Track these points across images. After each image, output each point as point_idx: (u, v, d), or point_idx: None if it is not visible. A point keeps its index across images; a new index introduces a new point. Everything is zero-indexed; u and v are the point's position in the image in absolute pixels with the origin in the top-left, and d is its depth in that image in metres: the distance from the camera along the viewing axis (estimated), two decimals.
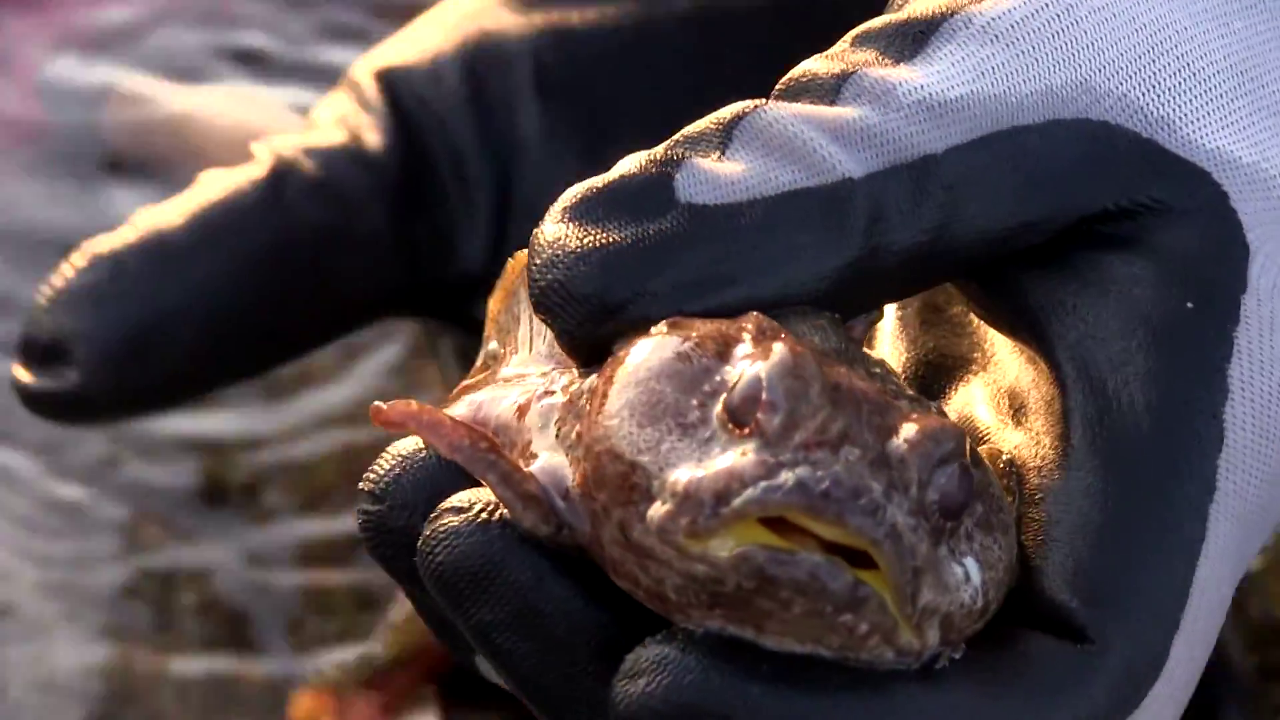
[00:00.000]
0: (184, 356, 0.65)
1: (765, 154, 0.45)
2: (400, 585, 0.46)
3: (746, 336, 0.43)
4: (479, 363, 0.50)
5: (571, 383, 0.45)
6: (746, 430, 0.41)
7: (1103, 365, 0.44)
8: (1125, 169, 0.45)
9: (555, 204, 0.45)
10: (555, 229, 0.44)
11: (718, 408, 0.41)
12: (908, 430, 0.41)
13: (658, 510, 0.40)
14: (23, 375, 0.64)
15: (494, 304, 0.50)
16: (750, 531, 0.40)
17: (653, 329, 0.44)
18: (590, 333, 0.44)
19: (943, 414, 0.46)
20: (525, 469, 0.43)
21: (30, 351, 0.63)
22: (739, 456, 0.40)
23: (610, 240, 0.44)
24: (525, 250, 0.45)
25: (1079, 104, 0.45)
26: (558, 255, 0.44)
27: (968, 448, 0.42)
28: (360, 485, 0.45)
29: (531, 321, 0.48)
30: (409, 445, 0.45)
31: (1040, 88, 0.45)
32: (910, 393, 0.46)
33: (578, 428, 0.43)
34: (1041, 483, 0.45)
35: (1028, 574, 0.43)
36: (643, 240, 0.43)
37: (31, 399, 0.64)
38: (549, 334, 0.46)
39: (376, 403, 0.44)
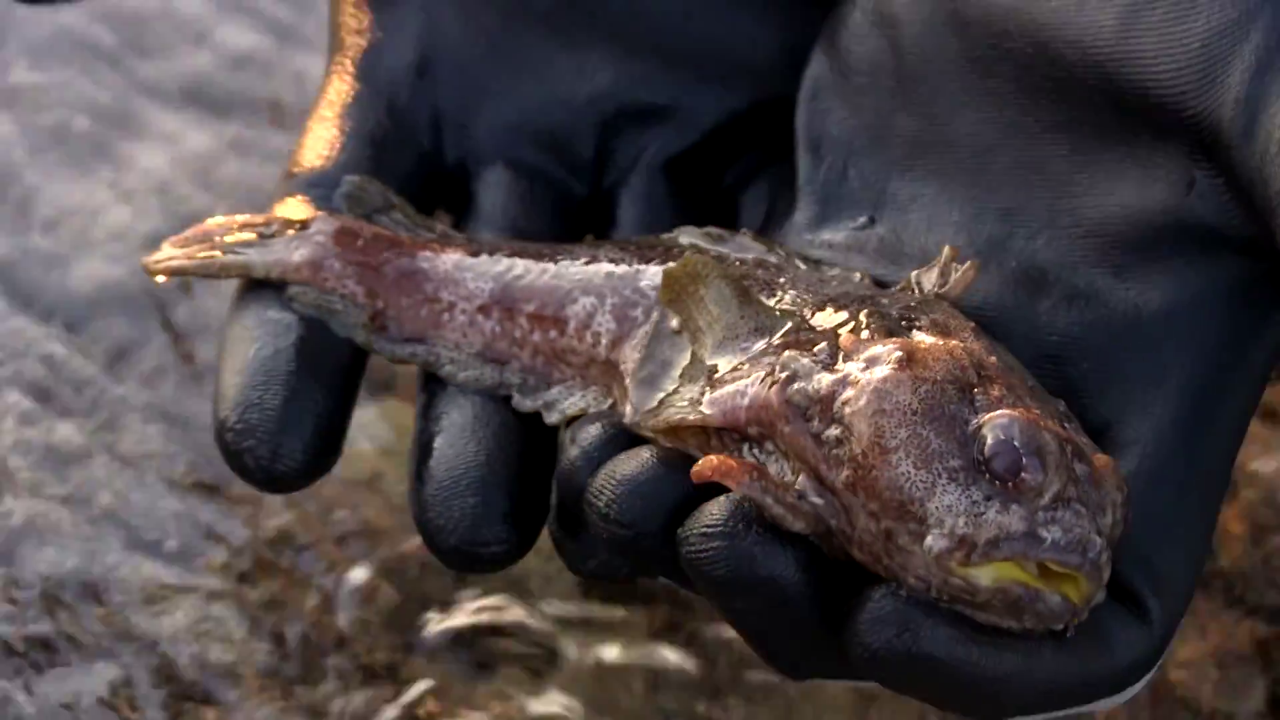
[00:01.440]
0: None
1: None
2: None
3: (973, 379, 0.59)
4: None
5: (810, 370, 0.60)
6: (1006, 485, 0.57)
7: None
8: None
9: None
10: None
11: (978, 455, 0.57)
12: (1108, 482, 0.58)
13: (937, 540, 0.56)
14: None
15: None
16: (1004, 567, 0.57)
17: (888, 354, 0.60)
18: None
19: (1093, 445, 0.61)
20: (790, 487, 0.59)
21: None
22: (1005, 512, 0.56)
23: None
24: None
25: None
26: None
27: (1125, 482, 0.59)
28: (599, 514, 0.60)
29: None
30: (629, 469, 0.61)
31: None
32: (1061, 408, 0.61)
33: (838, 432, 0.59)
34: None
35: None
36: None
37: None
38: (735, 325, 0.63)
39: (696, 466, 0.59)
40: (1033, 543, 0.56)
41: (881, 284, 0.67)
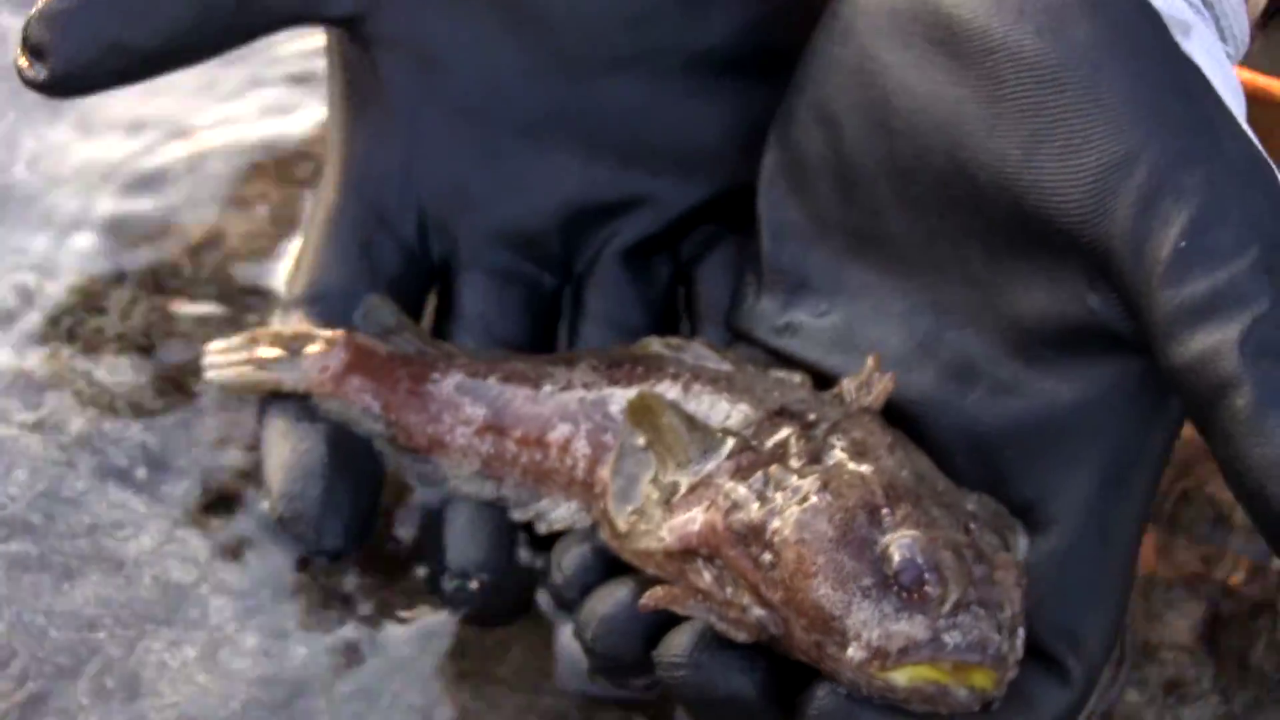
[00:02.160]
0: (140, 63, 0.83)
1: None
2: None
3: (881, 502, 0.68)
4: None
5: (747, 500, 0.69)
6: (911, 597, 0.65)
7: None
8: None
9: None
10: None
11: (886, 571, 0.66)
12: (1006, 579, 0.67)
13: (856, 653, 0.66)
14: (21, 63, 0.81)
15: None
16: (918, 668, 0.65)
17: (809, 486, 0.69)
18: None
19: (997, 526, 0.70)
20: (736, 604, 0.69)
21: (24, 48, 0.81)
22: (910, 623, 0.65)
23: None
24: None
25: None
26: None
27: (1024, 577, 0.68)
28: (586, 646, 0.71)
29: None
30: (608, 609, 0.71)
31: None
32: (970, 507, 0.70)
33: (770, 557, 0.68)
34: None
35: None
36: None
37: (25, 82, 0.82)
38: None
39: (644, 599, 0.69)
40: (937, 647, 0.65)
41: (827, 377, 0.76)
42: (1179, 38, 0.69)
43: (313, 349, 0.80)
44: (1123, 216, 0.66)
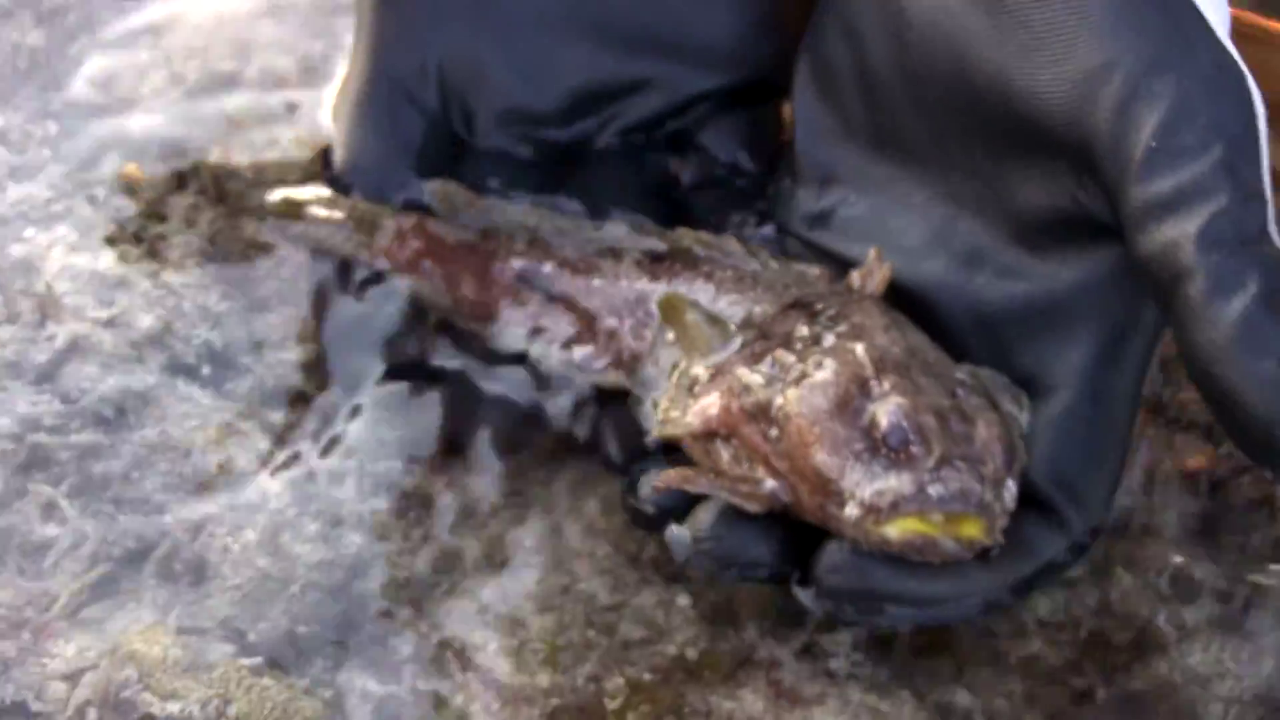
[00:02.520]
0: None
1: None
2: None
3: (871, 375, 0.74)
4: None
5: (756, 384, 0.76)
6: (899, 456, 0.72)
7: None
8: None
9: None
10: None
11: (875, 435, 0.73)
12: (988, 437, 0.73)
13: (852, 511, 0.73)
14: None
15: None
16: (909, 520, 0.72)
17: (809, 366, 0.76)
18: None
19: (985, 394, 0.76)
20: (750, 478, 0.76)
21: None
22: (898, 479, 0.72)
23: None
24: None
25: None
26: None
27: (1005, 434, 0.74)
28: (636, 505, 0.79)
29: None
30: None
31: None
32: (960, 376, 0.76)
33: (777, 432, 0.75)
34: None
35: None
36: None
37: None
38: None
39: (658, 480, 0.77)
40: (923, 500, 0.72)
41: (848, 263, 0.83)
42: None
43: (388, 227, 0.87)
44: (1102, 119, 0.72)
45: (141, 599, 0.81)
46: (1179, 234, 0.70)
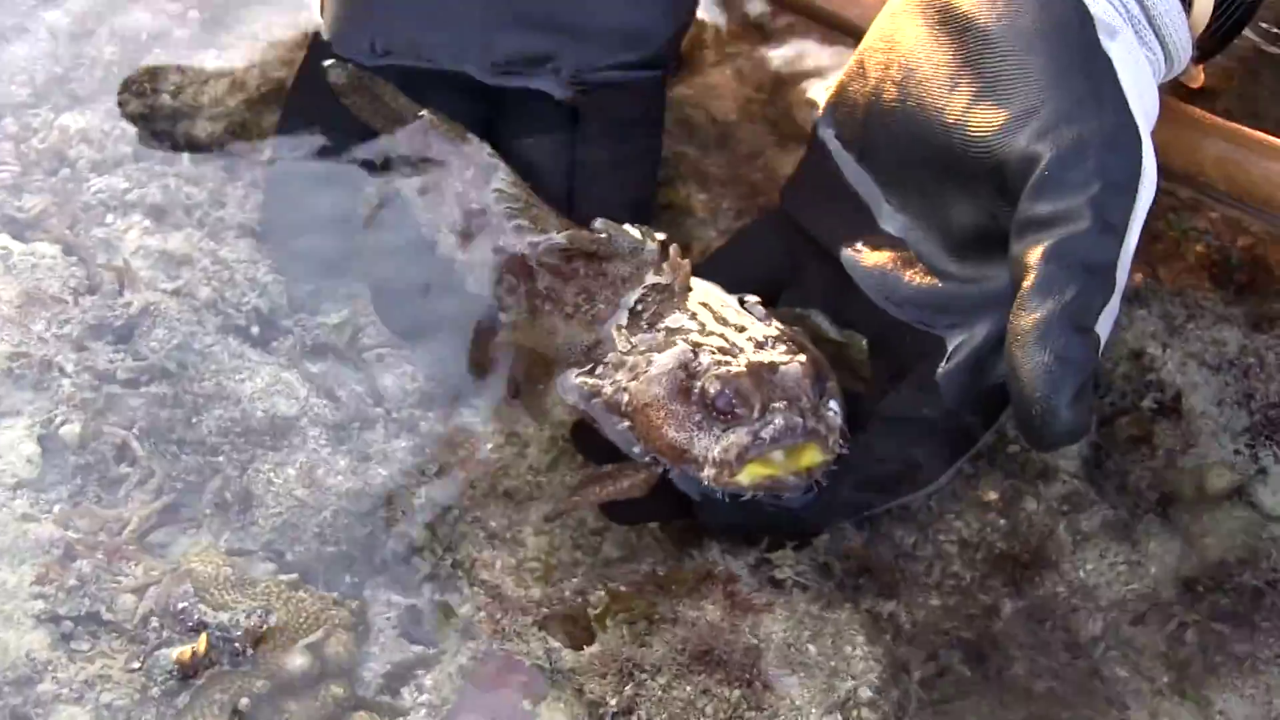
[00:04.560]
0: None
1: None
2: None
3: (692, 359, 0.83)
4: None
5: (600, 386, 0.86)
6: (730, 417, 0.81)
7: None
8: None
9: None
10: None
11: (708, 405, 0.82)
12: (795, 377, 0.82)
13: (709, 470, 0.82)
14: None
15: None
16: (754, 466, 0.81)
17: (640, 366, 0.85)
18: None
19: (786, 337, 0.85)
20: (643, 464, 0.86)
21: None
22: (736, 435, 0.81)
23: None
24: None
25: None
26: None
27: (809, 367, 0.83)
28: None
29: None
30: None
31: None
32: (769, 330, 0.86)
33: (629, 423, 0.85)
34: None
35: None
36: None
37: None
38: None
39: (578, 499, 0.87)
40: (759, 443, 0.82)
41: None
42: (1103, 37, 0.85)
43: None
44: (1017, 151, 0.83)
45: (199, 525, 0.87)
46: (1037, 244, 0.81)
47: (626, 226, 0.91)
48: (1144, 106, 0.85)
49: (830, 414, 0.83)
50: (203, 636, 0.83)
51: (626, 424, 0.84)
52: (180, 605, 0.84)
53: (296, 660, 0.83)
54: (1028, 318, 0.80)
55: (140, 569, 0.85)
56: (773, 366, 0.82)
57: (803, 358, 0.83)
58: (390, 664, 0.85)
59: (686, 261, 0.90)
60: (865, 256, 0.91)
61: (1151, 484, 0.92)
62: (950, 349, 0.87)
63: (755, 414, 0.81)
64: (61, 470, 0.88)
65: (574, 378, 0.86)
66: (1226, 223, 1.01)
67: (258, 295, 0.96)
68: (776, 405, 0.81)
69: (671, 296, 0.88)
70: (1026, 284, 0.81)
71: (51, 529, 0.85)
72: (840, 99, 0.96)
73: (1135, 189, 0.82)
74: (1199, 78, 0.96)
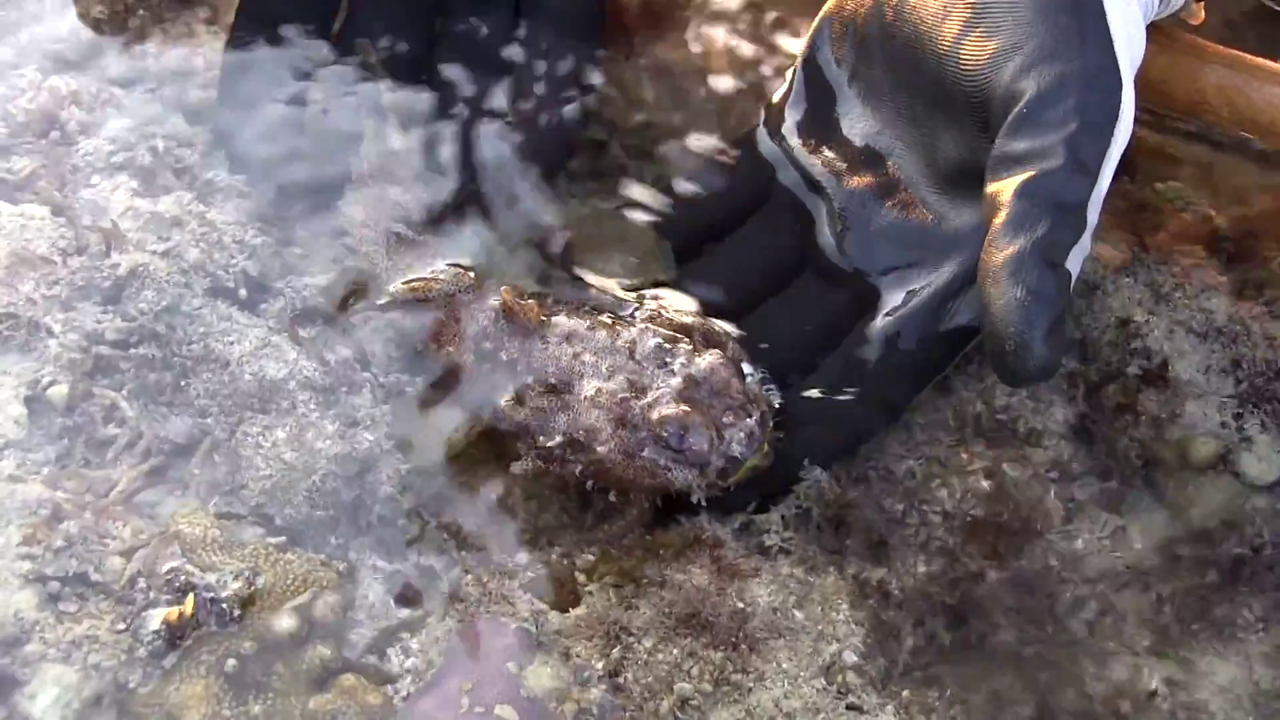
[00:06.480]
0: None
1: None
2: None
3: (631, 396, 0.86)
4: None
5: (552, 436, 0.88)
6: (693, 450, 0.85)
7: None
8: None
9: None
10: None
11: (672, 447, 0.86)
12: (716, 377, 0.86)
13: (701, 490, 0.86)
14: None
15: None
16: (748, 463, 0.85)
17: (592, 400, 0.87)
18: None
19: (673, 327, 0.90)
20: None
21: None
22: (714, 463, 0.85)
23: None
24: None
25: None
26: None
27: (719, 356, 0.87)
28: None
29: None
30: None
31: None
32: (696, 365, 0.87)
33: (592, 463, 0.87)
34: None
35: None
36: None
37: None
38: None
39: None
40: (736, 462, 0.86)
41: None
42: None
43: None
44: (1000, 87, 0.83)
45: (187, 487, 0.87)
46: (1011, 180, 0.81)
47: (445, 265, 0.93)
48: (1130, 47, 0.85)
49: (755, 386, 0.87)
50: (190, 598, 0.82)
51: (590, 465, 0.86)
52: (168, 567, 0.83)
53: (284, 622, 0.83)
54: (999, 254, 0.80)
55: (128, 530, 0.85)
56: (696, 381, 0.86)
57: (712, 355, 0.87)
58: (377, 627, 0.85)
59: (530, 302, 0.91)
60: (847, 179, 0.93)
61: (1139, 453, 0.92)
62: (914, 289, 0.89)
63: (715, 436, 0.86)
64: (49, 431, 0.88)
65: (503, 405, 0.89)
66: (1215, 191, 1.01)
67: (246, 258, 0.96)
68: (726, 420, 0.86)
69: (527, 334, 0.90)
70: (998, 220, 0.81)
71: (39, 489, 0.85)
72: (835, 15, 0.97)
73: (1111, 131, 0.82)
74: (1199, 14, 0.95)
